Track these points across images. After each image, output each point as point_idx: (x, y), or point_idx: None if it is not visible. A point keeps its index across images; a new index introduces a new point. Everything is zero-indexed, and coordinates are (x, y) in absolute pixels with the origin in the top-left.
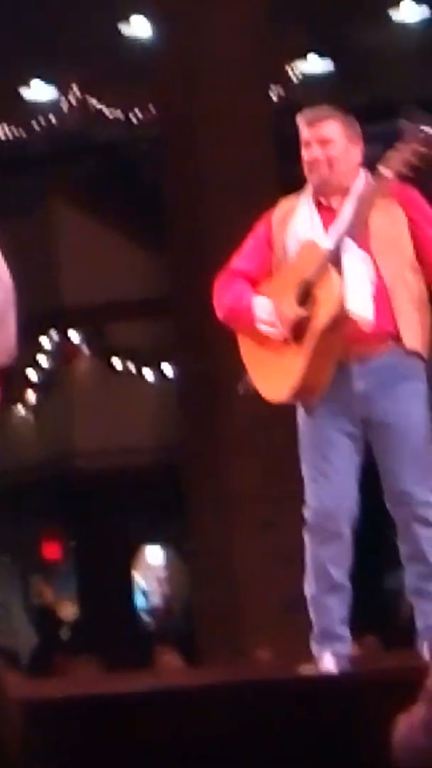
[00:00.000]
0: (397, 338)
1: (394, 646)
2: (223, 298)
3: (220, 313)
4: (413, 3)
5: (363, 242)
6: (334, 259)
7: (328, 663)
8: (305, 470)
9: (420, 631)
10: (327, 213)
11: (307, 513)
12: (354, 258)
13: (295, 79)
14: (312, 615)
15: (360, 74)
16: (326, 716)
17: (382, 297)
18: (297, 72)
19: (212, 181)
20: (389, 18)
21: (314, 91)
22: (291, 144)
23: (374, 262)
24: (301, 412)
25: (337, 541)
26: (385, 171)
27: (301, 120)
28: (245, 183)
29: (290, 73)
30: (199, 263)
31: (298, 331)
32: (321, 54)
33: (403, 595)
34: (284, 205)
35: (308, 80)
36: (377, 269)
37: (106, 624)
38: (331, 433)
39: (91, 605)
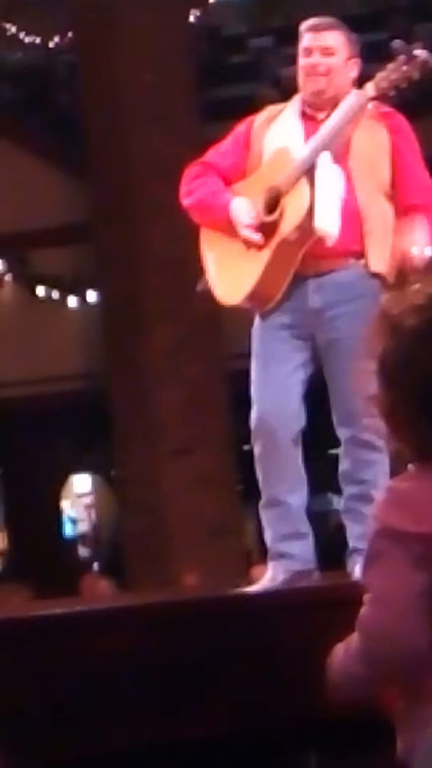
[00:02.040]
0: (361, 257)
1: (324, 567)
2: (194, 187)
3: (187, 201)
4: None
5: (341, 159)
6: (307, 170)
7: (266, 580)
8: (252, 376)
9: (350, 552)
10: (310, 123)
11: (251, 419)
12: (327, 172)
13: (212, 2)
14: None
15: None
16: (257, 635)
17: (353, 216)
18: None
19: (131, 105)
20: None
21: (232, 14)
22: (210, 67)
23: (350, 180)
24: (257, 319)
25: (273, 452)
26: (371, 90)
27: (305, 27)
28: (164, 107)
29: None
30: (120, 188)
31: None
32: None
33: (330, 516)
34: (271, 109)
35: (225, 3)
36: (352, 188)
37: (35, 553)
38: (276, 344)
39: (20, 534)
